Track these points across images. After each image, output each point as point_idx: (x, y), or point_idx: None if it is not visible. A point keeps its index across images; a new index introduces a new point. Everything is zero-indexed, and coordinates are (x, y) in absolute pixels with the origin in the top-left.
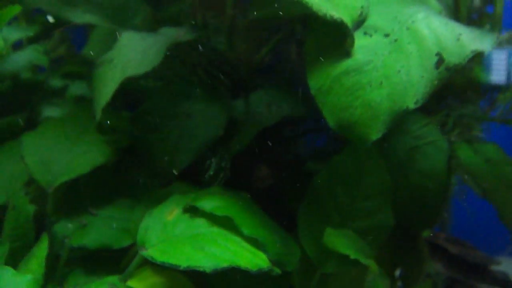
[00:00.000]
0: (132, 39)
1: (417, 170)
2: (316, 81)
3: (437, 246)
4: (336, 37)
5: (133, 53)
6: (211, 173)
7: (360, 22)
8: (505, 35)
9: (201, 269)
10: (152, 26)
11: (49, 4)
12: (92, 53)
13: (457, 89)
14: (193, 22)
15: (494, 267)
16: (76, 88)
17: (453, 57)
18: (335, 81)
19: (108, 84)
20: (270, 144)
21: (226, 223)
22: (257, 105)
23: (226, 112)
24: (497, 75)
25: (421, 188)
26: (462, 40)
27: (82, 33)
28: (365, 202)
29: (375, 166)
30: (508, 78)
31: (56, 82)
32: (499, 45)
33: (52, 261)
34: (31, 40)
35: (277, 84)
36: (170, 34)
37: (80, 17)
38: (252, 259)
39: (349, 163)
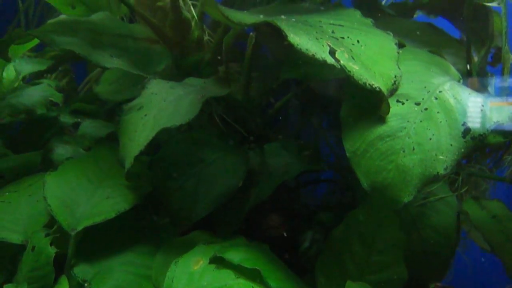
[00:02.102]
0: (162, 88)
1: (428, 225)
2: (352, 144)
3: None
4: (371, 103)
5: (164, 103)
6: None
7: (393, 90)
8: None
9: None
10: (175, 73)
11: (80, 48)
12: (105, 93)
13: None
14: (218, 73)
15: None
16: (88, 127)
17: (478, 127)
18: (370, 145)
19: (140, 133)
20: (279, 193)
21: (251, 274)
22: (273, 157)
23: (244, 162)
24: None
25: (432, 241)
26: (484, 110)
27: (82, 67)
28: (380, 256)
29: (390, 222)
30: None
31: (66, 119)
32: None
33: None
34: (36, 73)
35: (289, 135)
36: (201, 86)
37: (108, 61)
38: None
39: (365, 218)
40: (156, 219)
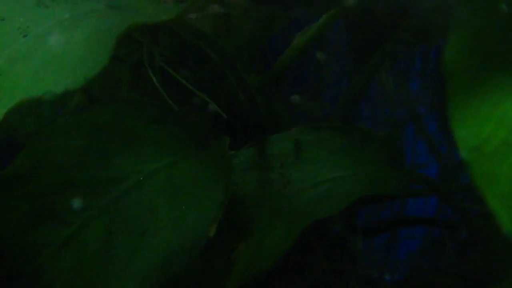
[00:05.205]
0: (18, 5)
1: None
2: (472, 131)
3: None
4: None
5: (24, 42)
6: None
7: None
8: None
9: None
10: None
11: None
12: None
13: None
14: None
15: None
16: None
17: None
18: None
19: None
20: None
21: None
22: (287, 165)
23: (223, 180)
24: None
25: None
26: None
27: None
28: None
29: None
30: None
31: None
32: None
33: None
34: None
35: (326, 114)
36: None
37: None
38: None
39: None
40: None
